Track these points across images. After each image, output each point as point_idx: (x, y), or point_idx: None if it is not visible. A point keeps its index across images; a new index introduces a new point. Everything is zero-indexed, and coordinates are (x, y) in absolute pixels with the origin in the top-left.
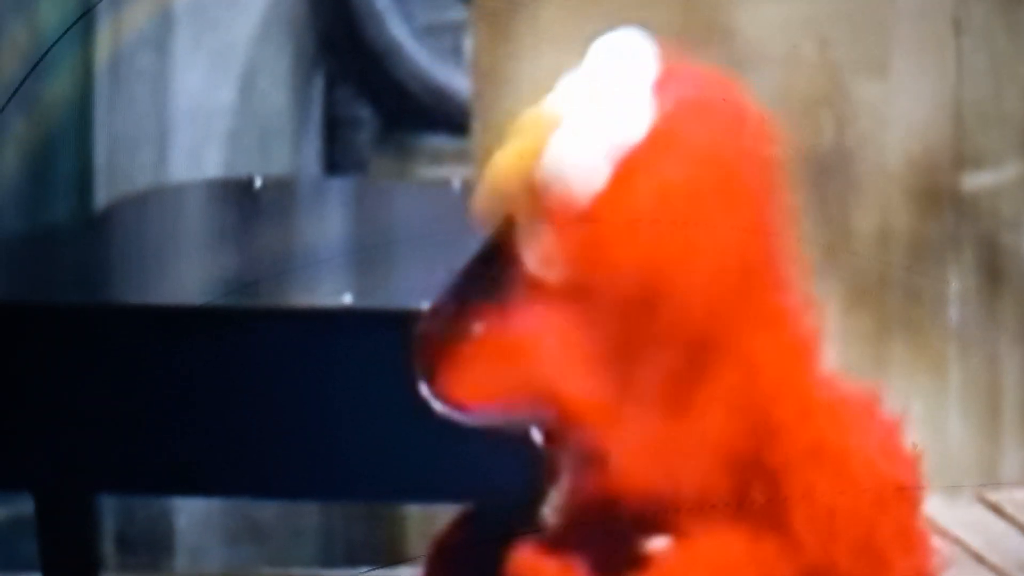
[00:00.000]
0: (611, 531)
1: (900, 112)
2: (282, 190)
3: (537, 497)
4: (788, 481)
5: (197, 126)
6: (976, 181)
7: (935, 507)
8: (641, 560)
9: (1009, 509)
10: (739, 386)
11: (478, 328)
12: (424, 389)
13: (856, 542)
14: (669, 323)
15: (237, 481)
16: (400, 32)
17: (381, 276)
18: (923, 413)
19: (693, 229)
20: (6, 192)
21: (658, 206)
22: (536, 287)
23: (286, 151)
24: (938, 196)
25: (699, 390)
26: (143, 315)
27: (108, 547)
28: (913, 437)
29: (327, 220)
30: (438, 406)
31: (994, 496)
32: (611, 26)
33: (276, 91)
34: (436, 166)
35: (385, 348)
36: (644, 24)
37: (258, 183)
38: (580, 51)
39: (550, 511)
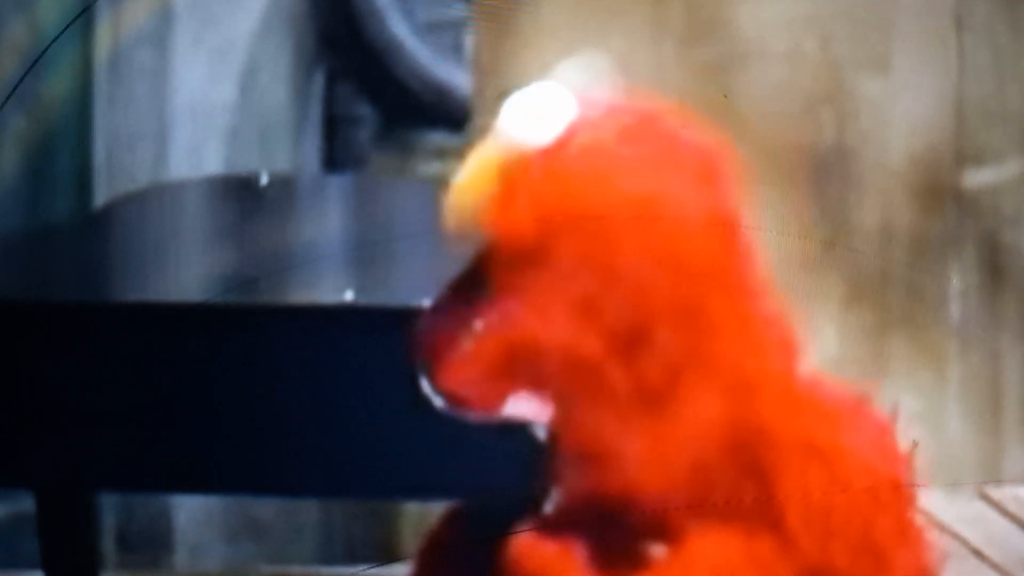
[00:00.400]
0: (610, 528)
1: (902, 109)
2: (282, 187)
3: (538, 495)
4: (781, 481)
5: (197, 123)
6: (978, 178)
7: (936, 504)
8: (638, 559)
9: (1010, 506)
10: (723, 377)
11: (478, 324)
12: (425, 386)
13: (854, 540)
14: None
15: (237, 478)
16: (401, 29)
17: (381, 273)
18: (924, 410)
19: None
20: (5, 190)
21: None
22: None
23: (286, 148)
24: (940, 193)
25: (685, 379)
26: (143, 313)
27: (108, 544)
28: (913, 434)
29: (327, 217)
30: (439, 403)
31: (995, 493)
32: (612, 23)
33: (276, 88)
34: (437, 163)
35: (385, 345)
36: (646, 22)
37: (264, 180)
38: (581, 48)
39: (549, 508)
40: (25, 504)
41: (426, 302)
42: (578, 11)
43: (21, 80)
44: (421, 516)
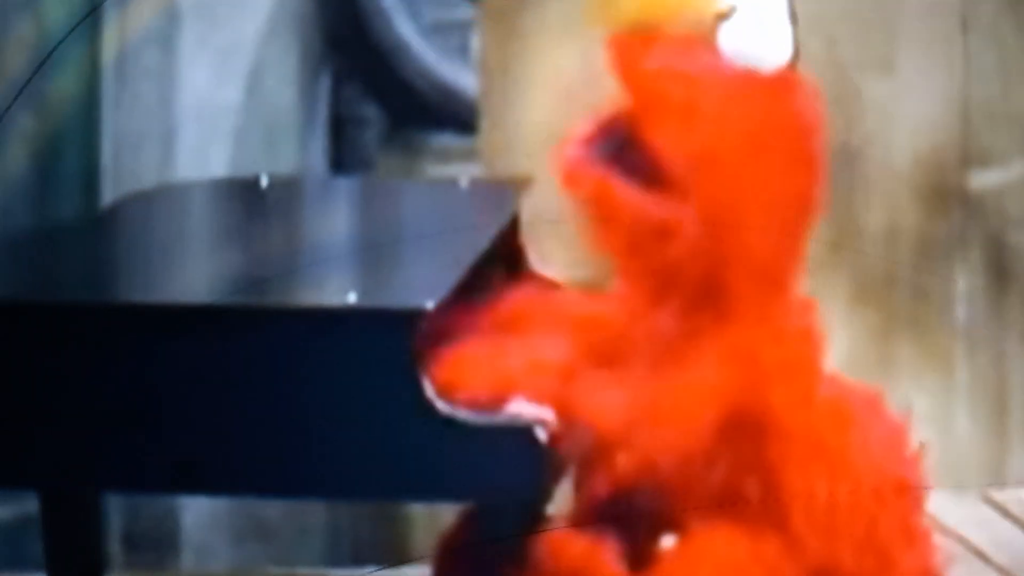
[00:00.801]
0: (620, 527)
1: (907, 110)
2: (288, 189)
3: (542, 495)
4: (788, 480)
5: (203, 124)
6: (983, 179)
7: (941, 505)
8: (647, 557)
9: (1015, 509)
10: (737, 352)
11: (481, 327)
12: (429, 387)
13: (858, 539)
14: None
15: (243, 479)
16: (407, 30)
17: (387, 275)
18: (930, 411)
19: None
20: (12, 190)
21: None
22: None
23: (293, 149)
24: (945, 194)
25: (697, 344)
26: (149, 314)
27: (114, 546)
28: (920, 435)
29: (333, 218)
30: (443, 404)
31: (1000, 495)
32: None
33: (283, 89)
34: (443, 164)
35: (390, 347)
36: None
37: (264, 182)
38: (587, 49)
39: (556, 509)
40: (30, 505)
41: (430, 304)
42: (583, 13)
43: (28, 81)
44: (428, 518)
